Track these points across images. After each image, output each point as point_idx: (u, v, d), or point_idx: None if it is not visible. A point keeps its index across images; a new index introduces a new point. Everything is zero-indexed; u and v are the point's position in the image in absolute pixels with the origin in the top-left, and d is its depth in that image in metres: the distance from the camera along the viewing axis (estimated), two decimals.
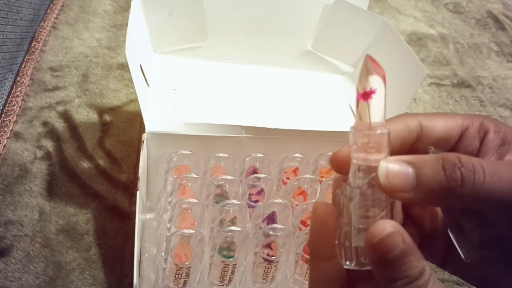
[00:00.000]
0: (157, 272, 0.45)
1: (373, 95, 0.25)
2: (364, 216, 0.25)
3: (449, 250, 0.30)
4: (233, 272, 0.42)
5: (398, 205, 0.26)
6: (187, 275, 0.42)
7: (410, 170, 0.24)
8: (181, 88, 0.55)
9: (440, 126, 0.28)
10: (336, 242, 0.26)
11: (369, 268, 0.25)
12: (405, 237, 0.23)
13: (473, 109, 0.79)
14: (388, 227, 0.23)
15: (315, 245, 0.27)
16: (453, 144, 0.29)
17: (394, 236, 0.23)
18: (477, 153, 0.29)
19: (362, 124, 0.25)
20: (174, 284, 0.42)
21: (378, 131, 0.25)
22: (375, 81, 0.24)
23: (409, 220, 0.28)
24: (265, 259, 0.43)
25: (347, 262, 0.26)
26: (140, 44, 0.54)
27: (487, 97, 0.83)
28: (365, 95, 0.25)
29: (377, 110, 0.25)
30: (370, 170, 0.25)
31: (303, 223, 0.46)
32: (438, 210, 0.28)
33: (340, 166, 0.27)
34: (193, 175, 0.47)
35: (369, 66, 0.25)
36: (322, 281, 0.27)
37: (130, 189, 0.56)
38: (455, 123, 0.29)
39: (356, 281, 0.28)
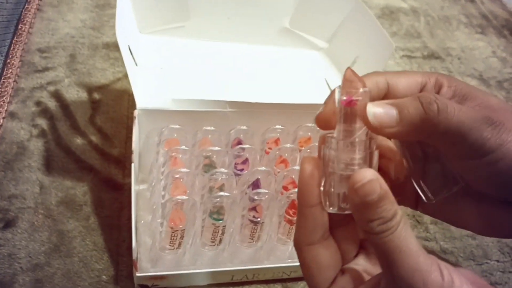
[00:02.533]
0: (153, 237, 0.49)
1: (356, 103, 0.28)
2: (347, 164, 0.29)
3: (419, 194, 0.34)
4: (223, 233, 0.47)
5: (376, 156, 0.30)
6: (182, 237, 0.46)
7: (393, 109, 0.29)
8: (168, 67, 0.59)
9: (403, 83, 0.32)
10: (321, 189, 0.30)
11: (348, 212, 0.30)
12: (382, 184, 0.27)
13: None
14: (368, 174, 0.27)
15: (302, 194, 0.30)
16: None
17: (373, 182, 0.27)
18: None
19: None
20: (170, 245, 0.46)
21: (361, 90, 0.29)
22: (356, 93, 0.28)
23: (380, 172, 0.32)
24: (251, 221, 0.47)
25: (330, 208, 0.30)
26: (127, 26, 0.57)
27: (455, 68, 0.88)
28: (348, 103, 0.28)
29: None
30: (354, 122, 0.29)
31: (285, 188, 0.50)
32: (402, 161, 0.33)
33: (325, 123, 0.31)
34: (183, 147, 0.51)
35: (350, 78, 0.29)
36: (308, 225, 0.31)
37: (122, 162, 0.60)
38: (415, 80, 0.32)
39: (336, 226, 0.33)
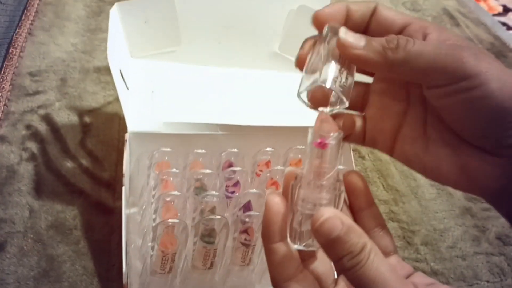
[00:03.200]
0: (143, 261, 0.49)
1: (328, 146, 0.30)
2: (315, 204, 0.30)
3: (394, 143, 0.36)
4: (214, 257, 0.47)
5: (342, 197, 0.31)
6: (173, 261, 0.46)
7: (363, 38, 0.32)
8: (159, 90, 0.59)
9: (390, 14, 0.34)
10: (288, 226, 0.31)
11: (314, 249, 0.30)
12: (343, 219, 0.28)
13: None
14: (326, 213, 0.28)
15: (268, 230, 0.31)
16: (396, 31, 0.33)
17: (333, 220, 0.28)
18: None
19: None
20: (160, 269, 0.46)
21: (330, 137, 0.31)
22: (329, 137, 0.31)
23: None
24: (243, 243, 0.47)
25: (296, 244, 0.31)
26: (119, 50, 0.58)
27: None
28: (321, 145, 0.31)
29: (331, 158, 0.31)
30: (324, 163, 0.30)
31: None
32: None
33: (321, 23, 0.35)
34: (174, 170, 0.51)
35: (324, 120, 0.31)
36: (278, 261, 0.31)
37: (112, 186, 0.60)
38: (402, 17, 0.33)
39: (306, 258, 0.33)
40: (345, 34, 0.32)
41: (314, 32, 0.64)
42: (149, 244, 0.47)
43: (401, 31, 0.33)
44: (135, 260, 0.50)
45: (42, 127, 0.65)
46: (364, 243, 0.28)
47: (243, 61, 0.66)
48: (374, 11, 0.34)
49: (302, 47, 0.35)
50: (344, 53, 0.32)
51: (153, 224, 0.47)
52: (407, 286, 0.28)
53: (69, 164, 0.61)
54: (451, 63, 0.29)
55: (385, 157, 0.72)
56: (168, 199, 0.48)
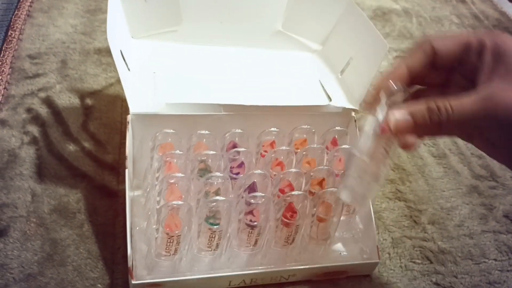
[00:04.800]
0: (148, 243, 0.48)
1: None
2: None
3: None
4: (219, 238, 0.46)
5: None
6: (178, 243, 0.45)
7: (409, 117, 0.38)
8: (161, 71, 0.58)
9: (448, 47, 0.40)
10: None
11: None
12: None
13: None
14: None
15: None
16: (459, 58, 0.41)
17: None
18: (476, 68, 0.39)
19: None
20: (166, 251, 0.46)
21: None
22: None
23: None
24: (248, 225, 0.47)
25: None
26: (119, 30, 0.57)
27: None
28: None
29: None
30: None
31: (281, 191, 0.50)
32: None
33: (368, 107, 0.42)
34: (177, 152, 0.50)
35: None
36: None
37: (116, 169, 0.59)
38: (459, 43, 0.40)
39: None
40: (394, 126, 0.39)
41: (320, 9, 0.63)
42: (154, 226, 0.47)
43: (460, 57, 0.41)
44: (140, 243, 0.50)
45: (43, 110, 0.65)
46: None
47: (246, 40, 0.64)
48: (432, 53, 0.41)
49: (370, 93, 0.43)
50: (397, 135, 0.40)
51: (158, 207, 0.47)
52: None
53: (71, 147, 0.61)
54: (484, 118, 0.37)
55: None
56: (172, 181, 0.47)
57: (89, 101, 0.67)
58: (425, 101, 0.38)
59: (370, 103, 0.42)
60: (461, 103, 0.37)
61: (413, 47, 0.42)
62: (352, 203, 0.49)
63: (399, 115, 0.38)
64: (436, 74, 0.43)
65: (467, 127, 0.39)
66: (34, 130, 0.62)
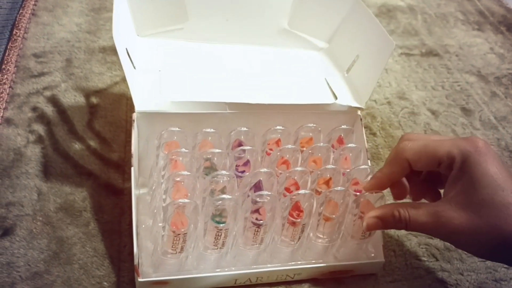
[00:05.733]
0: (154, 241, 0.48)
1: None
2: None
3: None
4: (225, 237, 0.46)
5: None
6: (184, 241, 0.45)
7: (378, 220, 0.46)
8: (166, 69, 0.58)
9: (422, 163, 0.44)
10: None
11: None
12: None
13: (441, 77, 0.84)
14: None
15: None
16: (432, 173, 0.48)
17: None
18: (446, 180, 0.43)
19: None
20: (172, 249, 0.46)
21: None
22: None
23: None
24: (254, 223, 0.46)
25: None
26: (124, 29, 0.57)
27: (454, 65, 0.87)
28: None
29: None
30: None
31: (287, 189, 0.50)
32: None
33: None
34: (183, 150, 0.50)
35: None
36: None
37: (121, 167, 0.59)
38: (433, 159, 0.43)
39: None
40: (366, 226, 0.47)
41: (326, 6, 0.63)
42: (160, 224, 0.47)
43: (433, 172, 0.48)
44: (146, 241, 0.50)
45: (48, 109, 0.65)
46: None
47: (251, 38, 0.64)
48: (407, 167, 0.46)
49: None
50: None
51: (164, 205, 0.47)
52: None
53: (77, 145, 0.61)
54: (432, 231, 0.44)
55: (397, 133, 0.71)
56: (178, 179, 0.47)
57: (94, 100, 0.67)
58: (393, 207, 0.45)
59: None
60: (417, 214, 0.43)
61: (389, 158, 0.47)
62: None
63: (369, 218, 0.46)
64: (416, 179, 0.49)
65: (426, 233, 0.44)
66: (39, 128, 0.62)
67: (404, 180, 0.49)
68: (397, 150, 0.46)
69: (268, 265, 0.50)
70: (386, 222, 0.45)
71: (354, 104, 0.57)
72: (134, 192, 0.49)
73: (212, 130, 0.53)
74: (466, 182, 0.41)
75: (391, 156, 0.47)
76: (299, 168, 0.50)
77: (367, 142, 0.64)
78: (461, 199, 0.41)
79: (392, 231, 0.58)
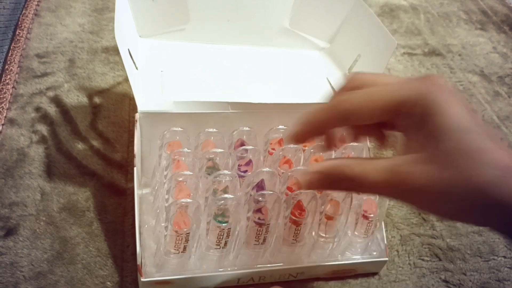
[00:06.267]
0: (157, 241, 0.48)
1: None
2: None
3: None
4: (228, 236, 0.46)
5: None
6: (186, 241, 0.45)
7: (322, 177, 0.36)
8: (168, 70, 0.58)
9: (370, 116, 0.35)
10: None
11: None
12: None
13: (443, 76, 0.84)
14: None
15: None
16: (382, 124, 0.36)
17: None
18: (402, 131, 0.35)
19: None
20: (174, 249, 0.46)
21: None
22: None
23: None
24: (257, 223, 0.47)
25: None
26: (126, 30, 0.57)
27: (456, 64, 0.87)
28: None
29: None
30: None
31: (289, 189, 0.50)
32: None
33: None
34: (185, 150, 0.50)
35: None
36: None
37: (124, 167, 0.60)
38: (385, 111, 0.34)
39: None
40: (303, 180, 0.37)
41: (327, 6, 0.63)
42: (163, 224, 0.47)
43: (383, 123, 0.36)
44: (149, 241, 0.50)
45: (51, 109, 0.65)
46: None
47: (253, 38, 0.65)
48: (345, 120, 0.36)
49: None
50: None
51: (166, 205, 0.47)
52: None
53: (80, 146, 0.61)
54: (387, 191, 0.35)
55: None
56: (180, 179, 0.48)
57: (97, 100, 0.67)
58: (338, 162, 0.36)
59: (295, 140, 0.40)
60: (368, 169, 0.34)
61: (324, 107, 0.38)
62: None
63: (311, 173, 0.36)
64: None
65: (381, 194, 0.37)
66: (42, 129, 0.62)
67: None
68: (335, 102, 0.37)
69: (271, 265, 0.50)
70: (330, 179, 0.35)
71: None
72: (137, 192, 0.49)
73: (214, 130, 0.53)
74: (428, 130, 0.32)
75: (327, 106, 0.37)
76: (301, 168, 0.50)
77: (370, 141, 0.64)
78: (423, 150, 0.32)
79: (394, 231, 0.58)
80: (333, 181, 0.36)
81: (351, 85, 0.37)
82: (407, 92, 0.33)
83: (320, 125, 0.38)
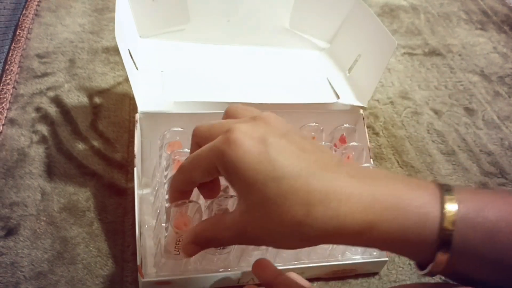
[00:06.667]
0: (157, 241, 0.48)
1: None
2: None
3: None
4: None
5: None
6: None
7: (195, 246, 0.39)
8: (169, 70, 0.58)
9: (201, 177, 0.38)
10: None
11: None
12: None
13: (444, 76, 0.84)
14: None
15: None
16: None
17: None
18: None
19: None
20: (175, 250, 0.46)
21: None
22: None
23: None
24: None
25: None
26: (126, 30, 0.57)
27: (457, 64, 0.87)
28: None
29: None
30: None
31: None
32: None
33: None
34: (186, 150, 0.50)
35: None
36: None
37: (125, 167, 0.60)
38: (203, 173, 0.37)
39: None
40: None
41: (327, 6, 0.63)
42: (163, 224, 0.47)
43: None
44: (149, 241, 0.50)
45: (52, 109, 0.65)
46: None
47: (253, 38, 0.64)
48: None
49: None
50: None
51: (166, 205, 0.47)
52: None
53: (80, 146, 0.61)
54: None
55: (399, 133, 0.71)
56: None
57: (97, 100, 0.67)
58: (195, 229, 0.39)
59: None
60: (218, 232, 0.36)
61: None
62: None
63: (186, 245, 0.39)
64: None
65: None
66: (43, 129, 0.62)
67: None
68: (173, 180, 0.40)
69: None
70: (201, 244, 0.39)
71: (357, 103, 0.58)
72: (137, 192, 0.49)
73: None
74: (236, 186, 0.34)
75: (176, 173, 0.40)
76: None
77: (370, 142, 0.64)
78: (245, 202, 0.34)
79: None
80: (203, 245, 0.39)
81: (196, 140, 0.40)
82: (212, 155, 0.35)
83: (181, 188, 0.41)
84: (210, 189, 0.41)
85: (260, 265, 0.43)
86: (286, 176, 0.31)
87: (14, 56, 0.72)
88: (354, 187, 0.31)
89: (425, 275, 0.33)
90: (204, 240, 0.38)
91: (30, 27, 0.78)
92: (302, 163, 0.32)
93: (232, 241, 0.37)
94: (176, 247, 0.46)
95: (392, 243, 0.31)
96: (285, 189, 0.31)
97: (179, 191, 0.41)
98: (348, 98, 0.58)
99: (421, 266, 0.33)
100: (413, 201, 0.31)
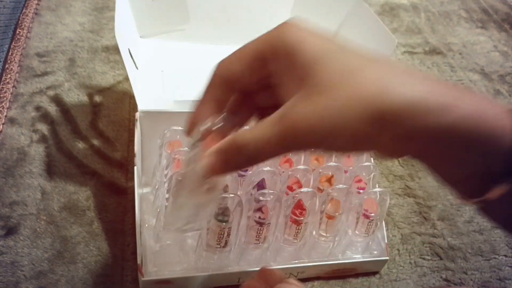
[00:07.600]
0: (157, 240, 0.48)
1: None
2: None
3: None
4: (228, 235, 0.46)
5: None
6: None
7: (219, 155, 0.32)
8: (169, 69, 0.58)
9: (237, 69, 0.34)
10: None
11: None
12: None
13: (444, 75, 0.84)
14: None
15: None
16: (258, 77, 0.33)
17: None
18: (274, 83, 0.32)
19: None
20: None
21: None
22: None
23: None
24: (257, 222, 0.47)
25: None
26: (127, 29, 0.57)
27: (457, 63, 0.87)
28: None
29: None
30: None
31: (290, 188, 0.50)
32: None
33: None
34: (186, 149, 0.50)
35: None
36: None
37: (125, 166, 0.59)
38: (247, 61, 0.33)
39: None
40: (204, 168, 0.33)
41: (327, 5, 0.63)
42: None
43: (258, 75, 0.34)
44: (149, 240, 0.50)
45: (51, 108, 0.65)
46: None
47: (253, 38, 0.64)
48: (225, 83, 0.35)
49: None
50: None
51: (166, 204, 0.47)
52: None
53: (80, 145, 0.61)
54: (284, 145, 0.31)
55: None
56: (180, 178, 0.47)
57: (97, 99, 0.67)
58: (231, 136, 0.32)
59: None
60: (258, 131, 0.30)
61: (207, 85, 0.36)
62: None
63: (209, 157, 0.32)
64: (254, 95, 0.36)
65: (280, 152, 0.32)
66: (43, 128, 0.62)
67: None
68: (212, 73, 0.36)
69: (272, 264, 0.50)
70: (227, 155, 0.32)
71: None
72: (137, 191, 0.49)
73: None
74: (297, 68, 0.30)
75: (209, 82, 0.36)
76: (301, 167, 0.50)
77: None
78: (300, 89, 0.30)
79: (395, 230, 0.58)
80: (230, 157, 0.32)
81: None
82: (267, 39, 0.32)
83: (213, 99, 0.36)
84: (241, 110, 0.37)
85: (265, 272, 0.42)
86: (358, 52, 0.29)
87: (14, 55, 0.72)
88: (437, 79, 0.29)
89: (475, 203, 0.30)
90: (232, 146, 0.31)
91: (30, 26, 0.78)
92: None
93: (270, 145, 0.30)
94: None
95: (464, 137, 0.27)
96: (357, 64, 0.28)
97: (212, 97, 0.36)
98: None
99: (469, 193, 0.30)
100: (495, 109, 0.27)
